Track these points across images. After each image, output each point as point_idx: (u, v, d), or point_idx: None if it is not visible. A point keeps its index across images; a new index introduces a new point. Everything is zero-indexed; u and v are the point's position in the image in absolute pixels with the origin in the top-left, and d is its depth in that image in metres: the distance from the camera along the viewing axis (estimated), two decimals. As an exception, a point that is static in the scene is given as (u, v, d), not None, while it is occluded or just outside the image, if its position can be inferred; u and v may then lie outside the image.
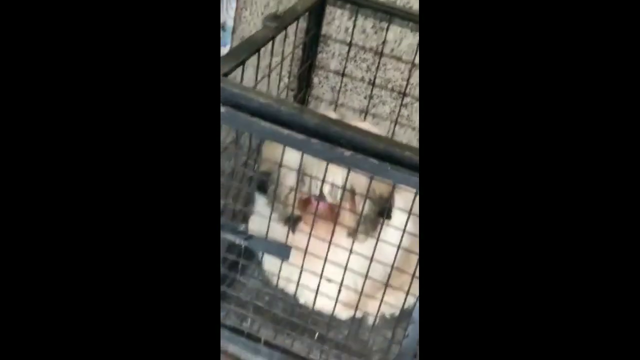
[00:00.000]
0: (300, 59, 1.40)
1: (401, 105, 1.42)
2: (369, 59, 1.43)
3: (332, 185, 0.96)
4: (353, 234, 1.00)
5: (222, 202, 0.97)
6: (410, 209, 0.88)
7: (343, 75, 1.43)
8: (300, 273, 1.01)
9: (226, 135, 0.98)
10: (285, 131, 0.83)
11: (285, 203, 1.00)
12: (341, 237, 1.00)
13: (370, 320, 1.16)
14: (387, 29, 1.35)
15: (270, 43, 1.06)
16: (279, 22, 1.08)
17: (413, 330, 0.97)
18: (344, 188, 0.94)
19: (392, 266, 0.98)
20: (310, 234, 0.96)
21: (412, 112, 1.45)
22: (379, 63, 1.40)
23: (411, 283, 0.98)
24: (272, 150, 0.98)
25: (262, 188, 1.07)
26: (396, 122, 1.43)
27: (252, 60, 1.00)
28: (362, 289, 1.04)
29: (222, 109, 0.84)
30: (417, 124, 1.43)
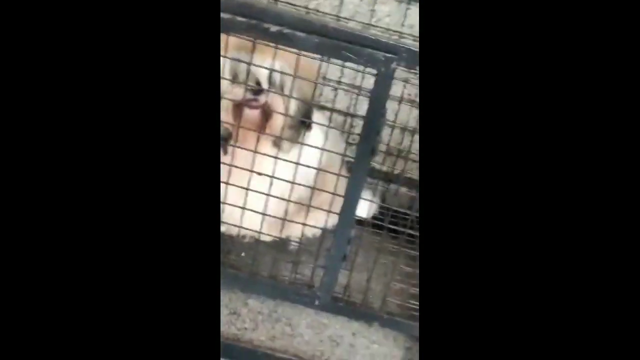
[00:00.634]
0: None
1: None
2: None
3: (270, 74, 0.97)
4: (278, 142, 1.00)
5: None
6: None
7: None
8: (226, 191, 0.98)
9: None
10: (209, 12, 0.82)
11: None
12: (267, 147, 1.00)
13: (293, 244, 1.16)
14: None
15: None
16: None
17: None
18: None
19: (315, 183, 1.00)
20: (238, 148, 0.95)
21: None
22: None
23: (332, 202, 1.00)
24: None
25: None
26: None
27: None
28: (287, 205, 1.04)
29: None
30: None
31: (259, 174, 0.95)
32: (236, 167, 0.97)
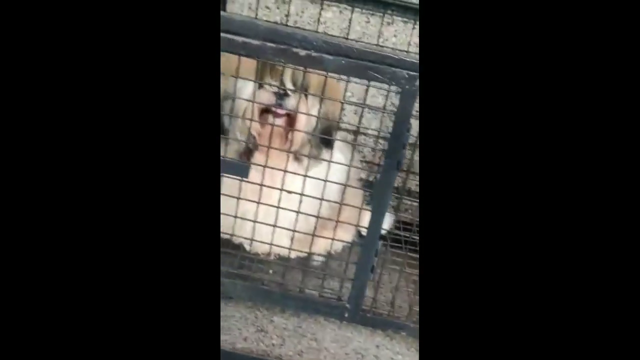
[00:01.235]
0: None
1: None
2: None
3: (294, 75, 1.00)
4: (300, 157, 1.04)
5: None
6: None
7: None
8: (257, 209, 1.02)
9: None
10: (240, 39, 0.86)
11: (242, 126, 1.02)
12: (290, 164, 1.04)
13: (315, 259, 1.19)
14: (290, 3, 1.44)
15: None
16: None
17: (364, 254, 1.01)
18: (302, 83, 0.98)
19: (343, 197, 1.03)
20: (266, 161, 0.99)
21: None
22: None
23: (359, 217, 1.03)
24: (222, 81, 1.01)
25: None
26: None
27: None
28: (317, 222, 1.07)
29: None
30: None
31: (289, 192, 0.98)
32: (265, 185, 1.00)
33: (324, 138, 1.07)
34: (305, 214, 1.01)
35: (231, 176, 0.97)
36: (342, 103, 1.00)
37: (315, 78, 1.00)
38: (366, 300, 1.06)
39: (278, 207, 0.99)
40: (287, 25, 1.46)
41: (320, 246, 1.18)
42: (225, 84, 1.02)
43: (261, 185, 0.98)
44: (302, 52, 0.87)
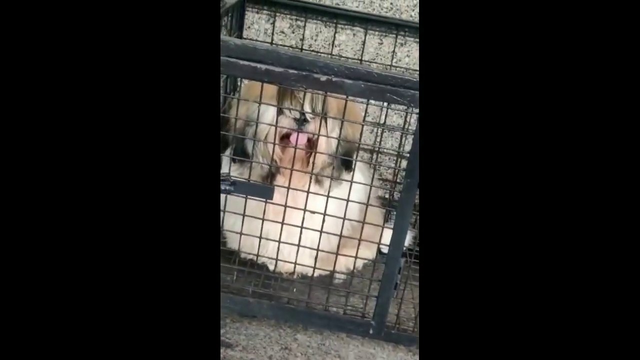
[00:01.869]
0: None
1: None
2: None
3: (313, 99, 1.04)
4: (321, 179, 1.07)
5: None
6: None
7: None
8: (281, 229, 1.05)
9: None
10: (263, 66, 0.90)
11: (264, 151, 1.05)
12: (312, 186, 1.07)
13: (337, 277, 1.22)
14: (304, 27, 1.48)
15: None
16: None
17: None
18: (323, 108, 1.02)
19: (365, 216, 1.06)
20: (287, 183, 1.02)
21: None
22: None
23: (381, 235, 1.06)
24: (244, 107, 1.05)
25: (239, 151, 1.12)
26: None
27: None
28: (339, 240, 1.10)
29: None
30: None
31: (312, 212, 1.01)
32: (289, 207, 1.03)
33: (345, 160, 1.10)
34: (327, 233, 1.03)
35: (256, 198, 1.00)
36: (362, 125, 1.03)
37: (334, 102, 1.03)
38: (389, 316, 1.08)
39: (302, 227, 1.02)
40: (302, 49, 1.50)
41: (342, 264, 1.20)
42: (247, 110, 1.06)
43: (285, 206, 1.01)
44: (323, 78, 0.90)
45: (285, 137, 1.08)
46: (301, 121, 1.05)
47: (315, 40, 1.50)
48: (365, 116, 1.06)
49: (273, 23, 1.48)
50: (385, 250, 1.03)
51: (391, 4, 1.47)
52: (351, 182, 1.00)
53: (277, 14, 1.48)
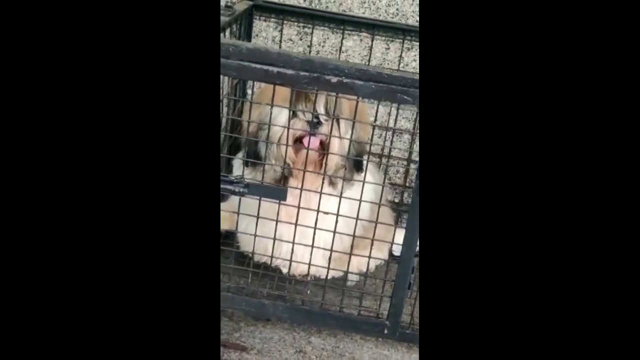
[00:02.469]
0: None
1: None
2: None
3: (327, 102, 1.05)
4: (335, 181, 1.09)
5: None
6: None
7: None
8: (295, 231, 1.06)
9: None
10: (275, 69, 0.91)
11: (277, 153, 1.07)
12: (325, 187, 1.08)
13: (350, 278, 1.23)
14: (312, 34, 1.49)
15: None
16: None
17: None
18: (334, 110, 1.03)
19: (377, 217, 1.07)
20: (298, 187, 1.03)
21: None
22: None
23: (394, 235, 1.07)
24: (257, 110, 1.06)
25: (251, 155, 1.13)
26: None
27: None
28: (352, 240, 1.11)
29: (213, 59, 0.90)
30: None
31: (326, 213, 1.02)
32: (303, 208, 1.04)
33: (356, 161, 1.12)
34: (340, 233, 1.04)
35: (269, 200, 1.01)
36: (373, 127, 1.04)
37: (347, 104, 1.04)
38: (403, 317, 1.09)
39: (315, 228, 1.03)
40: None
41: (354, 266, 1.21)
42: (260, 114, 1.07)
43: (298, 207, 1.02)
44: (334, 79, 0.91)
45: (298, 140, 1.09)
46: (314, 124, 1.06)
47: (323, 47, 1.52)
48: (375, 119, 1.07)
49: (281, 30, 1.50)
50: (396, 252, 1.05)
51: (397, 9, 1.49)
52: (363, 182, 1.01)
53: (285, 22, 1.50)
